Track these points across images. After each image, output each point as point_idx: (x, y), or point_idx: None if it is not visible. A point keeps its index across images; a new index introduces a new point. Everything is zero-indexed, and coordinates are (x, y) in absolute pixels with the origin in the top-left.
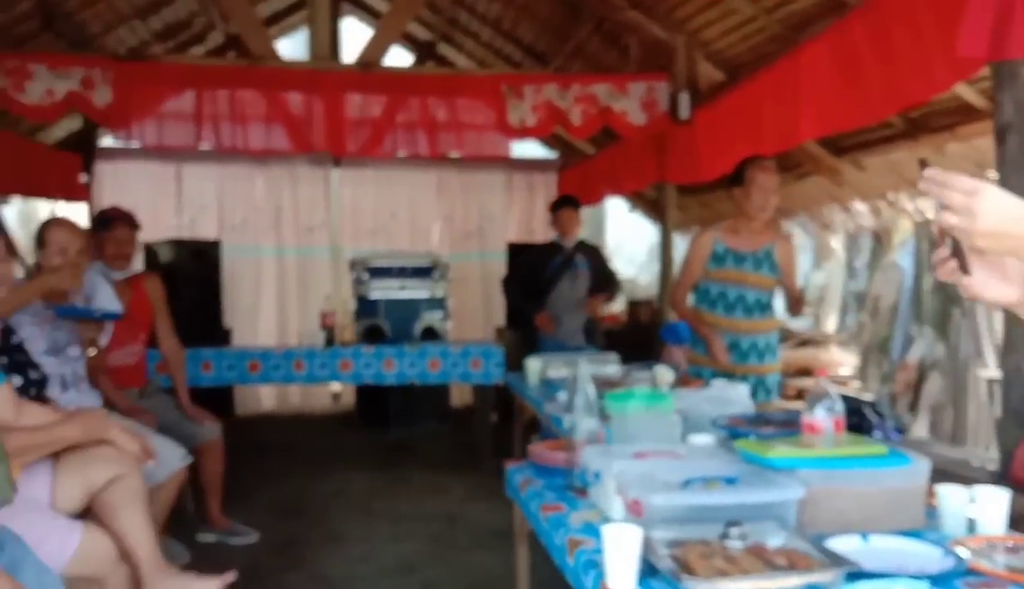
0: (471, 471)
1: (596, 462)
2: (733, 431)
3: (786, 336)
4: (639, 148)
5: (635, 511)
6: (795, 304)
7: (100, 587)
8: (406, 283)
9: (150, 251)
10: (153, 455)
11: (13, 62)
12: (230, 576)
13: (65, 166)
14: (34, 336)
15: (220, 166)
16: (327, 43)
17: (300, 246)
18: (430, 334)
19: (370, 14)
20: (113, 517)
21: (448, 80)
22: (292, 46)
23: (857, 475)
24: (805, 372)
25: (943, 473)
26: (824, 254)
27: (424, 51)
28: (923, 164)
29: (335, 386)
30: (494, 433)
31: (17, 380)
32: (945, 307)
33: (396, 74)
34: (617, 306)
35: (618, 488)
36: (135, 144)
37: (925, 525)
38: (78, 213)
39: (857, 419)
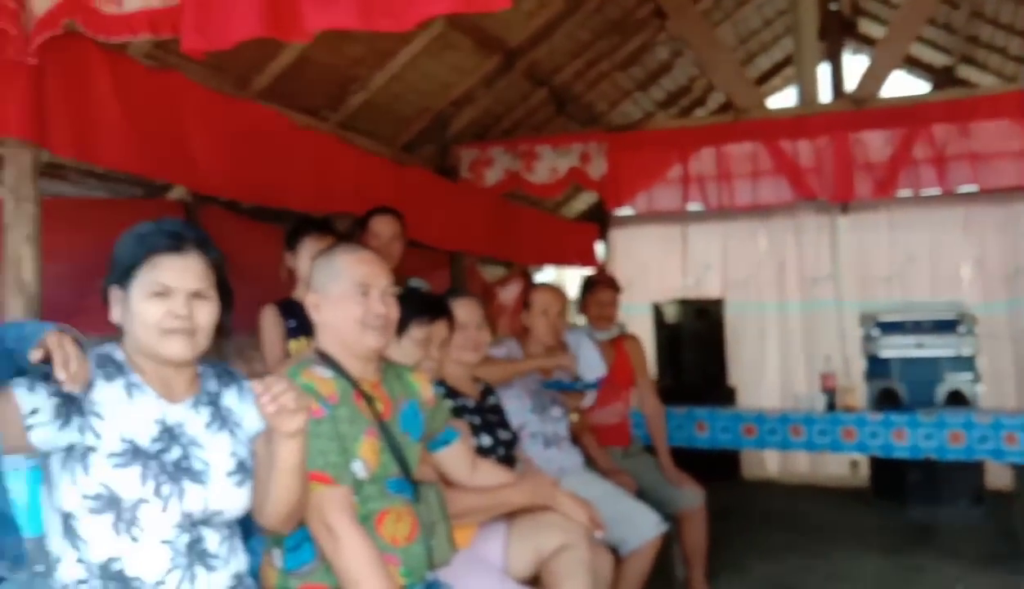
0: (1006, 569)
1: None
2: None
3: None
4: None
5: None
6: None
7: None
8: (924, 339)
9: (657, 311)
10: (601, 526)
11: (524, 146)
12: None
13: (584, 236)
14: (521, 394)
15: (723, 224)
16: (814, 84)
17: (804, 300)
18: (957, 399)
19: (868, 44)
20: (558, 586)
21: (961, 104)
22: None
23: None
24: None
25: None
26: None
27: (941, 77)
28: None
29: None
30: None
31: (486, 440)
32: None
33: (899, 106)
34: None
35: None
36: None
37: None
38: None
39: None
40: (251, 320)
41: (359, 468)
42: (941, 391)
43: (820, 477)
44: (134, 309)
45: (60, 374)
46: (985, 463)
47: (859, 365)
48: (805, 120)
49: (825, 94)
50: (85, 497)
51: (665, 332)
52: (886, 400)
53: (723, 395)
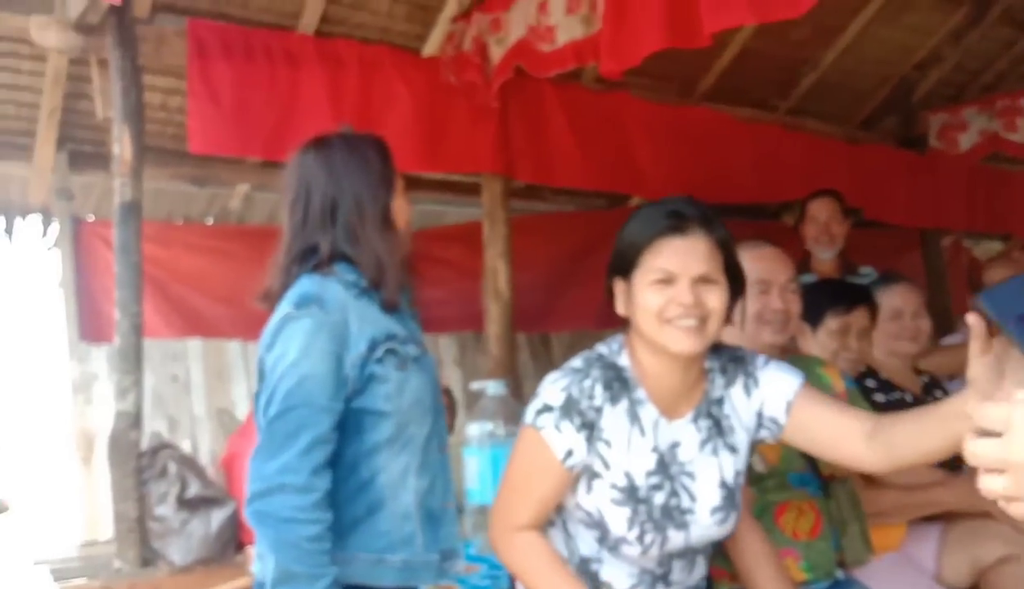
0: None
1: None
2: None
3: None
4: None
5: None
6: None
7: None
8: None
9: None
10: None
11: (1003, 102)
12: None
13: None
14: None
15: None
16: None
17: None
18: None
19: None
20: None
21: None
22: None
23: None
24: None
25: None
26: None
27: None
28: None
29: None
30: None
31: None
32: None
33: None
34: None
35: None
36: None
37: None
38: None
39: None
40: None
41: (756, 461)
42: None
43: None
44: (637, 299)
45: None
46: None
47: None
48: None
49: None
50: (579, 507)
51: None
52: None
53: None
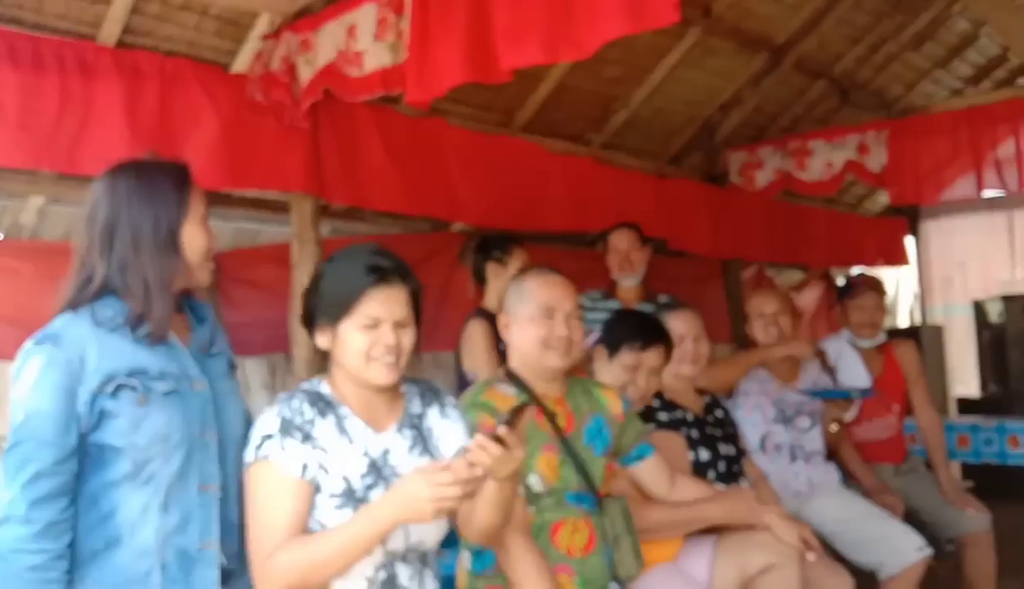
0: None
1: None
2: None
3: None
4: None
5: None
6: None
7: None
8: None
9: (978, 310)
10: (815, 547)
11: (795, 143)
12: None
13: (889, 232)
14: (762, 404)
15: None
16: None
17: None
18: None
19: None
20: None
21: None
22: None
23: None
24: None
25: None
26: None
27: None
28: None
29: None
30: None
31: (704, 454)
32: None
33: None
34: None
35: None
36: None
37: None
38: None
39: None
40: None
41: (535, 482)
42: None
43: None
44: (345, 340)
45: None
46: None
47: None
48: None
49: None
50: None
51: (988, 334)
52: None
53: None
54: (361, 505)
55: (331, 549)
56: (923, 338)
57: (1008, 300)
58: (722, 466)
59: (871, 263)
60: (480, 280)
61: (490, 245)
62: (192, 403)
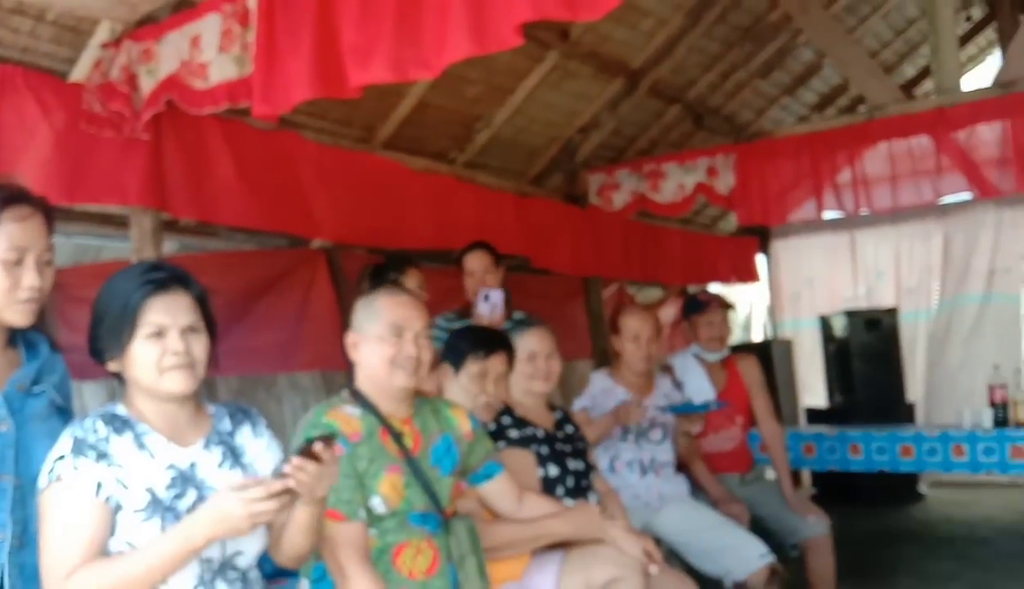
0: None
1: None
2: None
3: None
4: None
5: None
6: None
7: None
8: None
9: (824, 324)
10: (657, 559)
11: (649, 166)
12: None
13: (742, 250)
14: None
15: (895, 228)
16: (955, 70)
17: (985, 301)
18: None
19: None
20: None
21: None
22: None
23: None
24: None
25: None
26: None
27: None
28: None
29: None
30: None
31: (553, 470)
32: None
33: None
34: None
35: None
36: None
37: None
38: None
39: None
40: None
41: (378, 503)
42: None
43: (1008, 495)
44: (134, 356)
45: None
46: None
47: None
48: (945, 113)
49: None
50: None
51: (833, 347)
52: None
53: (901, 413)
54: (169, 514)
55: (141, 568)
56: (773, 351)
57: (851, 315)
58: (571, 481)
59: (725, 280)
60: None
61: (386, 268)
62: None
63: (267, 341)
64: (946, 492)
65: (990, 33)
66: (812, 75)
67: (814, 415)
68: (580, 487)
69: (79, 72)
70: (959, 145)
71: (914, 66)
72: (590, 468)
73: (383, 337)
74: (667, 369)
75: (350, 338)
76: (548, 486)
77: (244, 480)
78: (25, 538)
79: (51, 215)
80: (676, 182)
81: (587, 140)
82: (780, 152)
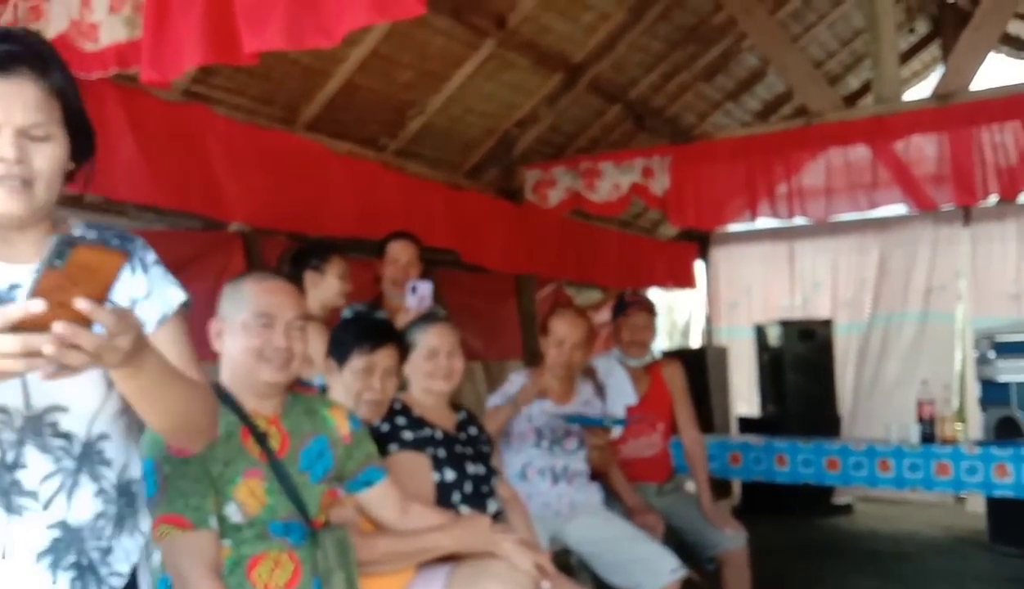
0: None
1: None
2: None
3: None
4: None
5: None
6: None
7: None
8: None
9: (759, 333)
10: (549, 574)
11: (586, 164)
12: None
13: (680, 256)
14: (523, 432)
15: (833, 239)
16: (895, 81)
17: (921, 318)
18: None
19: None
20: None
21: None
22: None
23: None
24: None
25: None
26: None
27: None
28: None
29: None
30: None
31: (450, 475)
32: None
33: (992, 98)
34: None
35: None
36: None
37: None
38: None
39: None
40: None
41: (233, 511)
42: None
43: (933, 511)
44: None
45: None
46: None
47: (974, 391)
48: (883, 123)
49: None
50: None
51: (767, 356)
52: (1005, 430)
53: (832, 425)
54: None
55: None
56: (708, 358)
57: (785, 325)
58: (468, 487)
59: (662, 285)
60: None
61: (307, 253)
62: None
63: None
64: (876, 506)
65: (935, 49)
66: (757, 81)
67: (746, 424)
68: (479, 493)
69: None
70: (896, 156)
71: (858, 79)
72: (492, 473)
73: (249, 326)
74: (590, 372)
75: (213, 326)
76: (444, 491)
77: None
78: None
79: None
80: (612, 182)
81: (525, 134)
82: (716, 156)
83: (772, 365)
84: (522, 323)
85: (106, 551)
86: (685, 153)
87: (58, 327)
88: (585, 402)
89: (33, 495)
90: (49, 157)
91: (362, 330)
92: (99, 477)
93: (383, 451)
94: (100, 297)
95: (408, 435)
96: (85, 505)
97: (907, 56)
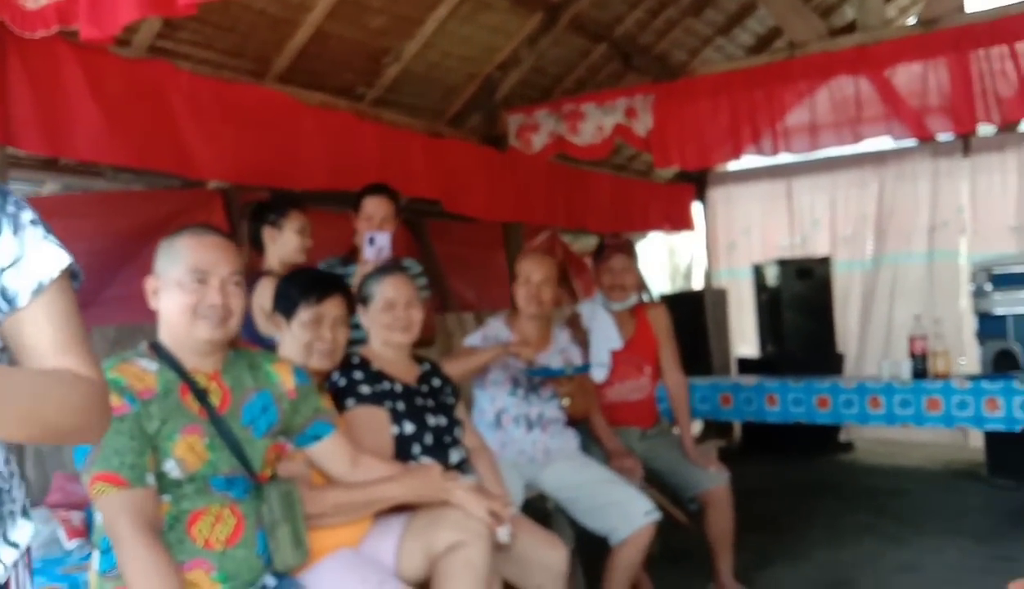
0: None
1: None
2: None
3: None
4: None
5: None
6: None
7: None
8: None
9: (757, 273)
10: (504, 520)
11: (569, 106)
12: None
13: (677, 198)
14: (499, 379)
15: (831, 176)
16: (879, 8)
17: (918, 252)
18: None
19: None
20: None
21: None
22: None
23: None
24: None
25: None
26: None
27: None
28: None
29: None
30: None
31: (409, 427)
32: None
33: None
34: None
35: None
36: (746, 166)
37: None
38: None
39: None
40: None
41: (171, 467)
42: None
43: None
44: None
45: None
46: None
47: (971, 324)
48: (868, 51)
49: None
50: None
51: (766, 296)
52: (1003, 363)
53: (831, 364)
54: None
55: None
56: (707, 301)
57: (783, 264)
58: (429, 438)
59: (659, 228)
60: (258, 246)
61: (265, 209)
62: None
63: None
64: (880, 445)
65: None
66: (747, 15)
67: (745, 365)
68: (441, 444)
69: None
70: (886, 85)
71: (854, 10)
72: (455, 423)
73: (183, 283)
74: (573, 320)
75: (149, 283)
76: (403, 444)
77: None
78: None
79: None
80: (595, 123)
81: (507, 78)
82: (698, 93)
83: (770, 305)
84: (510, 272)
85: None
86: (667, 91)
87: None
88: (561, 350)
89: None
90: None
91: (308, 282)
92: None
93: (340, 406)
94: None
95: (366, 389)
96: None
97: None
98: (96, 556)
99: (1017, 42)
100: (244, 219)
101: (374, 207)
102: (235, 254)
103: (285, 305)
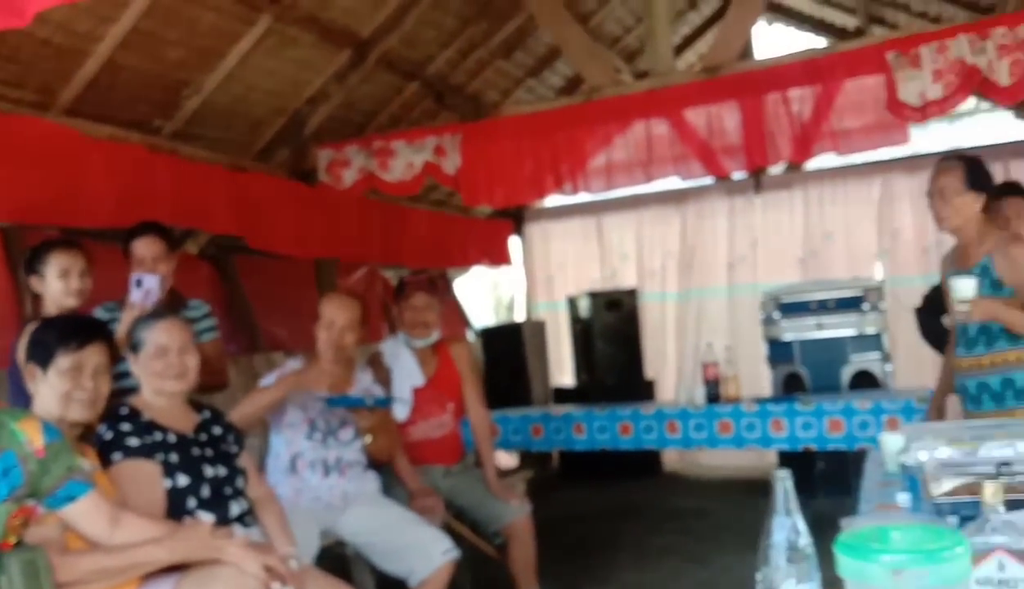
0: None
1: None
2: None
3: None
4: None
5: None
6: None
7: None
8: (825, 319)
9: (571, 305)
10: (282, 576)
11: (379, 143)
12: None
13: (495, 233)
14: (296, 421)
15: (637, 212)
16: (668, 55)
17: (716, 286)
18: (865, 380)
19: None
20: None
21: (815, 64)
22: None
23: None
24: None
25: None
26: None
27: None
28: None
29: None
30: None
31: (183, 480)
32: None
33: (757, 69)
34: None
35: None
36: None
37: None
38: (508, 276)
39: None
40: None
41: None
42: (847, 372)
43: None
44: None
45: None
46: None
47: (762, 350)
48: (655, 95)
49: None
50: None
51: (579, 327)
52: (791, 385)
53: (640, 390)
54: None
55: None
56: (525, 333)
57: (593, 296)
58: (206, 491)
59: (477, 263)
60: (36, 295)
61: (31, 259)
62: None
63: None
64: (690, 467)
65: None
66: (555, 58)
67: (560, 394)
68: (220, 495)
69: None
70: (679, 126)
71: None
72: (237, 472)
73: None
74: (375, 360)
75: None
76: (177, 497)
77: None
78: None
79: None
80: (405, 161)
81: (316, 113)
82: (502, 133)
83: (583, 336)
84: None
85: None
86: (474, 131)
87: None
88: (364, 390)
89: None
90: None
91: (66, 328)
92: None
93: (106, 461)
94: None
95: (134, 441)
96: None
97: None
98: None
99: (790, 89)
100: (21, 269)
101: (144, 248)
102: None
103: (41, 353)
